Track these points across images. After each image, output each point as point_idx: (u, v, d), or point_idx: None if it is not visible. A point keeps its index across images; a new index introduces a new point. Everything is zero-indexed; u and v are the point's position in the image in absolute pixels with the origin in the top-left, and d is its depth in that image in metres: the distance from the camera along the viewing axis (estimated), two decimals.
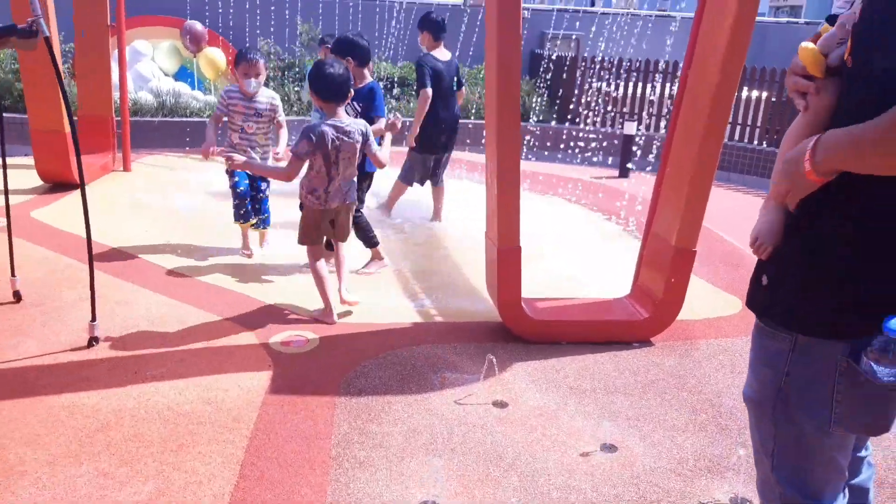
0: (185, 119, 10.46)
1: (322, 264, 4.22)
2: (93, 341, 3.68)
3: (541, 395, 3.43)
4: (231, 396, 3.24)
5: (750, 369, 1.87)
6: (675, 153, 4.04)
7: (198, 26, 11.50)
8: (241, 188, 5.01)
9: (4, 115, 9.44)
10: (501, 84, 3.69)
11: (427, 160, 6.19)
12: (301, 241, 4.20)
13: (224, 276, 4.78)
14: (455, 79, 6.17)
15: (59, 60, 3.43)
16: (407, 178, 6.25)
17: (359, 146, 4.06)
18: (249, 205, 5.08)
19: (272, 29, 12.35)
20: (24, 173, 6.64)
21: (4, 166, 3.99)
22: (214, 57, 11.74)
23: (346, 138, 3.98)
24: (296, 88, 11.45)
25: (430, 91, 5.85)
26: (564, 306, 4.27)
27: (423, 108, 5.91)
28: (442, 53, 6.09)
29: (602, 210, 7.32)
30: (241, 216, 5.09)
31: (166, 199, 6.65)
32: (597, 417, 3.25)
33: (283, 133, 5.13)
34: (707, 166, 3.80)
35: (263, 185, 5.17)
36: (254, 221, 5.18)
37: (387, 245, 5.56)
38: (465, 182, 7.96)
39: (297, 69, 11.96)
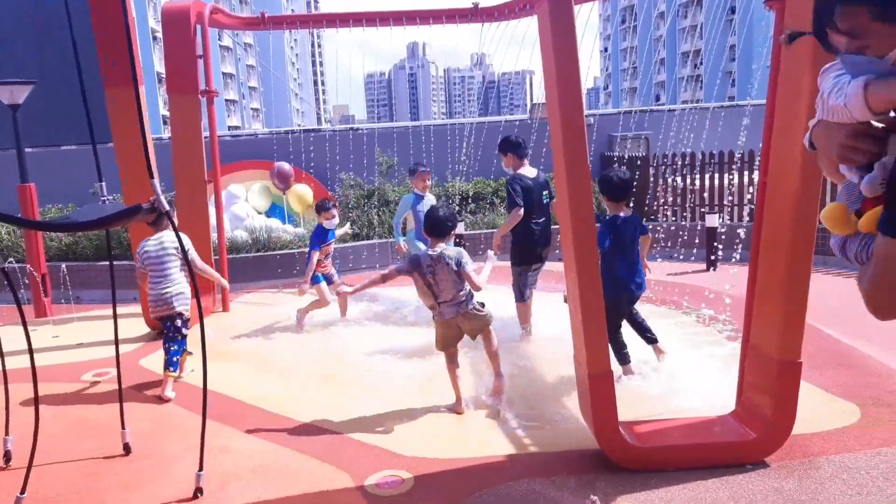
0: (277, 252, 11.05)
1: (453, 365, 4.92)
2: (198, 492, 3.78)
3: None
4: None
5: None
6: (765, 257, 3.91)
7: (285, 166, 12.40)
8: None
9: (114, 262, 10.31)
10: (573, 194, 3.73)
11: (526, 272, 6.32)
12: (437, 348, 5.00)
13: (322, 414, 4.85)
14: (545, 192, 6.36)
15: (175, 228, 3.75)
16: (521, 295, 6.38)
17: (454, 270, 4.66)
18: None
19: (351, 162, 13.11)
20: (133, 322, 7.13)
21: (115, 317, 4.30)
22: (302, 192, 12.53)
23: (439, 264, 4.65)
24: (378, 214, 11.98)
25: (521, 210, 6.08)
26: (666, 429, 4.07)
27: (511, 223, 6.19)
28: (529, 171, 6.32)
29: (689, 310, 7.09)
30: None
31: (263, 339, 6.94)
32: None
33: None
34: (801, 269, 3.65)
35: None
36: None
37: (476, 366, 5.55)
38: (557, 294, 7.92)
39: (377, 196, 12.54)
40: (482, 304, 4.88)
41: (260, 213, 12.68)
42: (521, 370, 5.62)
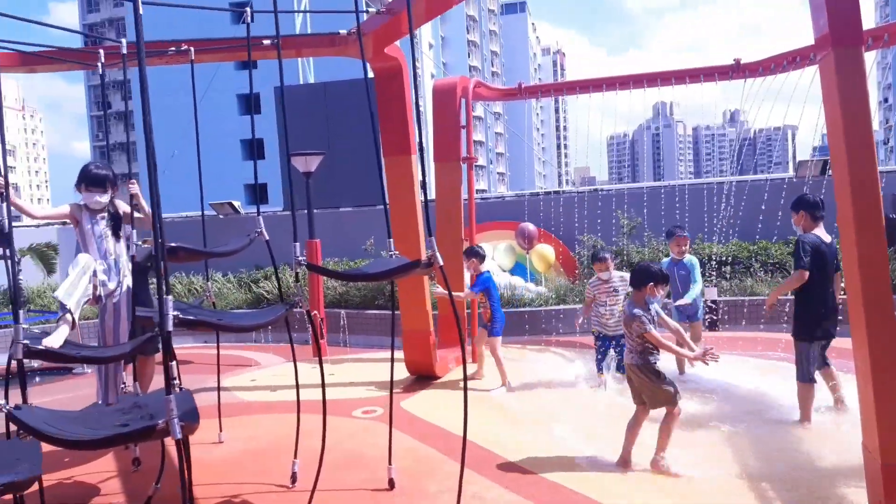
0: (520, 309, 11.36)
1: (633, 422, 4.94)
2: None
3: None
4: None
5: None
6: None
7: (530, 227, 12.82)
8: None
9: (374, 311, 11.37)
10: (865, 263, 3.36)
11: (815, 348, 5.68)
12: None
13: (579, 477, 4.78)
14: (836, 261, 5.74)
15: (446, 281, 4.04)
16: (805, 375, 5.69)
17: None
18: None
19: (598, 224, 13.12)
20: (396, 367, 7.79)
21: (392, 360, 4.74)
22: (545, 252, 12.82)
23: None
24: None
25: (807, 273, 5.53)
26: None
27: (791, 285, 5.68)
28: (824, 234, 5.74)
29: None
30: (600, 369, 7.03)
31: (511, 391, 7.13)
32: None
33: None
34: None
35: None
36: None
37: (731, 437, 5.11)
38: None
39: (622, 257, 12.35)
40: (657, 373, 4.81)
41: (504, 270, 13.19)
42: (784, 447, 5.07)
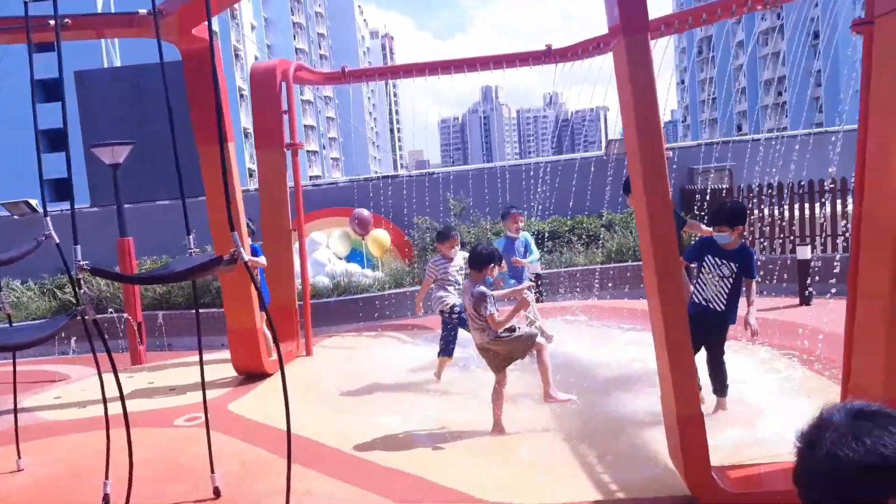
0: (357, 296, 11.28)
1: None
2: None
3: None
4: None
5: None
6: (865, 291, 3.69)
7: (364, 212, 12.74)
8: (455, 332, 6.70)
9: (201, 310, 10.78)
10: (655, 230, 3.66)
11: None
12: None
13: (405, 457, 4.85)
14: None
15: (253, 278, 3.88)
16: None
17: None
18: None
19: (428, 206, 13.32)
20: (222, 367, 7.41)
21: (202, 363, 4.46)
22: (380, 237, 12.82)
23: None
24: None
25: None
26: (763, 474, 3.84)
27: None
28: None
29: (783, 350, 6.71)
30: (448, 352, 6.69)
31: (344, 382, 7.03)
32: None
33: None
34: None
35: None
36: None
37: (555, 409, 5.43)
38: (640, 334, 7.71)
39: None
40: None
41: (340, 258, 13.03)
42: (605, 406, 5.47)
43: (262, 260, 7.25)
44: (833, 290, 9.17)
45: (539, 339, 5.30)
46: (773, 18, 64.89)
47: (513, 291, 5.72)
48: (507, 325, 5.06)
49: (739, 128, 72.83)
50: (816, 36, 59.77)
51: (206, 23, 6.36)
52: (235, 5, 56.03)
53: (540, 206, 13.23)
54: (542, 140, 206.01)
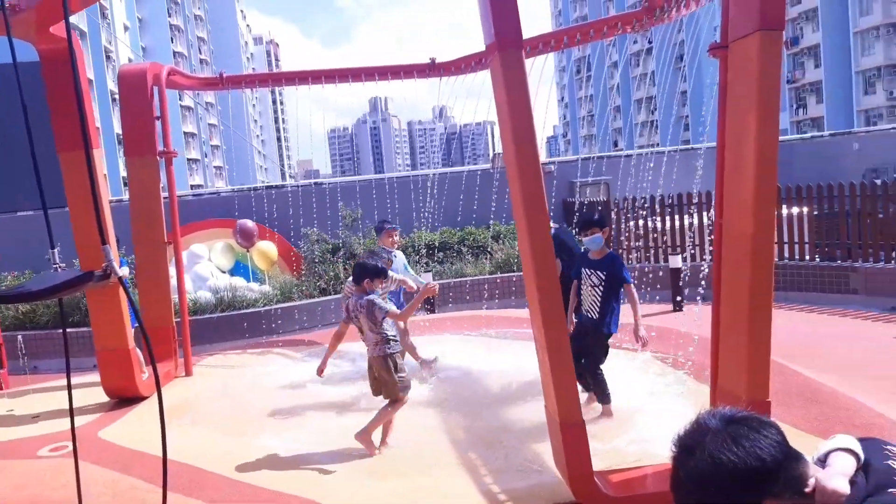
0: (242, 311, 10.86)
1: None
2: None
3: None
4: None
5: None
6: (727, 296, 3.96)
7: (249, 223, 12.30)
8: None
9: (70, 329, 10.00)
10: (535, 242, 3.75)
11: None
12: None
13: (292, 478, 4.69)
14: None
15: (129, 294, 3.64)
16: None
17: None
18: None
19: (315, 218, 13.08)
20: (92, 391, 6.88)
21: (70, 387, 4.10)
22: (266, 249, 12.42)
23: (360, 310, 5.06)
24: (345, 267, 11.92)
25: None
26: (642, 476, 4.02)
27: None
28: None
29: (657, 353, 7.11)
30: None
31: (226, 403, 6.73)
32: None
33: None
34: (763, 307, 3.70)
35: None
36: None
37: (447, 416, 5.45)
38: (521, 344, 7.90)
39: (342, 250, 12.48)
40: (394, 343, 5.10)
41: (224, 272, 12.50)
42: (492, 417, 5.55)
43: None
44: (701, 295, 9.85)
45: (405, 396, 5.12)
46: (643, 41, 69.17)
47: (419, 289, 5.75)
48: (410, 316, 5.50)
49: (616, 143, 77.02)
50: (681, 58, 64.36)
51: (82, 14, 5.93)
52: (105, 3, 52.86)
53: (430, 218, 13.33)
54: (432, 152, 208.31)
